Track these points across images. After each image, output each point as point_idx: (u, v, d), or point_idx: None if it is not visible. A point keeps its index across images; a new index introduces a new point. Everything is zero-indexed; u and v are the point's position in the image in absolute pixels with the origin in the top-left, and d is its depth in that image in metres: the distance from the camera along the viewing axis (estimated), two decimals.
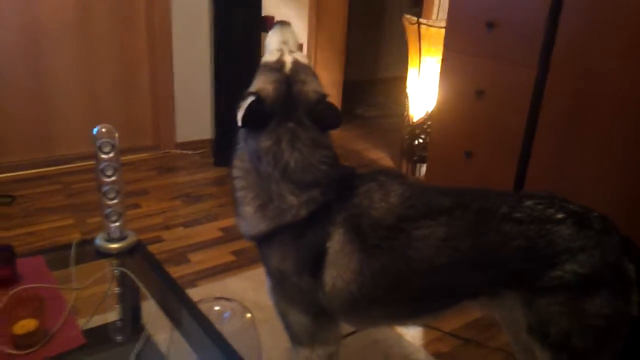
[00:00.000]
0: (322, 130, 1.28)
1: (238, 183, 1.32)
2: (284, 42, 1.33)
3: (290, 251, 1.30)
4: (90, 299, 1.55)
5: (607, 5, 2.05)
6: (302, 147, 1.24)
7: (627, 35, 1.99)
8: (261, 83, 1.27)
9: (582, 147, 2.18)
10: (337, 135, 1.32)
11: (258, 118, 1.23)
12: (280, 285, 1.34)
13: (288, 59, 1.29)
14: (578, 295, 1.18)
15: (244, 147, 1.30)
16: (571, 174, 2.23)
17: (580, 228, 1.19)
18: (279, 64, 1.28)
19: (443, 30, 2.81)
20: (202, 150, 3.93)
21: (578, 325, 1.20)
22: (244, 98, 1.23)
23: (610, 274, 1.19)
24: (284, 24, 1.37)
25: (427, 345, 2.06)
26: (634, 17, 1.97)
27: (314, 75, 1.31)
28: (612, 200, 2.03)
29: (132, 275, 1.54)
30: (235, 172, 1.32)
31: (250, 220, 1.31)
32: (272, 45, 1.33)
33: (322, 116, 1.27)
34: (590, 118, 2.14)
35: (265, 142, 1.24)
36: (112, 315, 1.74)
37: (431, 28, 3.17)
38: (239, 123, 1.23)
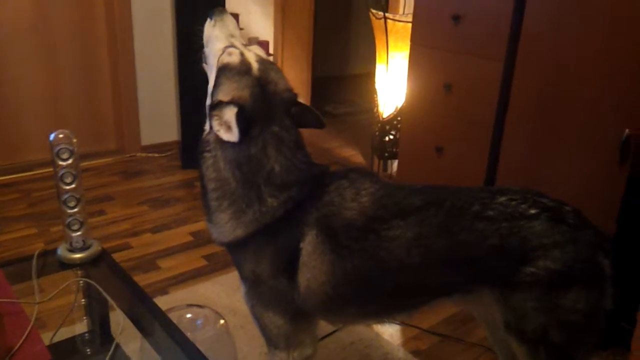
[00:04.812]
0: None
1: (213, 194, 1.27)
2: (232, 36, 1.29)
3: (266, 254, 1.27)
4: (57, 312, 1.52)
5: None
6: (287, 151, 1.23)
7: (595, 24, 1.99)
8: (234, 90, 1.22)
9: (553, 138, 2.19)
10: (307, 133, 1.30)
11: (242, 128, 1.17)
12: (255, 289, 1.32)
13: (251, 58, 1.25)
14: (552, 291, 1.18)
15: (218, 157, 1.24)
16: (542, 166, 2.24)
17: (554, 223, 1.18)
18: (245, 66, 1.23)
19: (410, 25, 2.79)
20: (168, 153, 3.85)
21: (554, 321, 1.20)
22: (216, 107, 1.18)
23: (584, 270, 1.19)
24: (222, 12, 1.32)
25: (405, 343, 2.04)
26: (600, 7, 1.98)
27: (280, 70, 1.29)
28: (584, 190, 2.04)
29: (97, 286, 1.49)
30: (210, 185, 1.27)
31: (225, 227, 1.28)
32: (219, 43, 1.28)
33: (303, 117, 1.28)
34: (560, 109, 2.15)
35: (249, 149, 1.21)
36: (81, 327, 1.69)
37: (398, 23, 3.16)
38: (233, 139, 1.17)
